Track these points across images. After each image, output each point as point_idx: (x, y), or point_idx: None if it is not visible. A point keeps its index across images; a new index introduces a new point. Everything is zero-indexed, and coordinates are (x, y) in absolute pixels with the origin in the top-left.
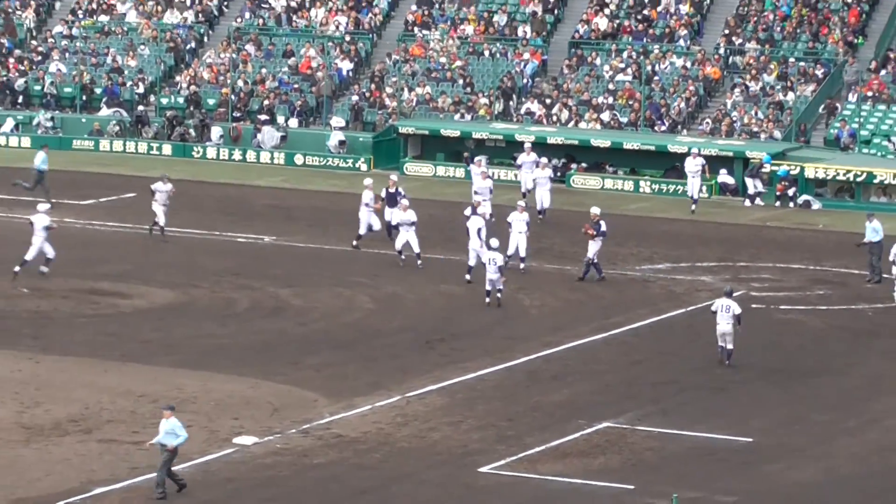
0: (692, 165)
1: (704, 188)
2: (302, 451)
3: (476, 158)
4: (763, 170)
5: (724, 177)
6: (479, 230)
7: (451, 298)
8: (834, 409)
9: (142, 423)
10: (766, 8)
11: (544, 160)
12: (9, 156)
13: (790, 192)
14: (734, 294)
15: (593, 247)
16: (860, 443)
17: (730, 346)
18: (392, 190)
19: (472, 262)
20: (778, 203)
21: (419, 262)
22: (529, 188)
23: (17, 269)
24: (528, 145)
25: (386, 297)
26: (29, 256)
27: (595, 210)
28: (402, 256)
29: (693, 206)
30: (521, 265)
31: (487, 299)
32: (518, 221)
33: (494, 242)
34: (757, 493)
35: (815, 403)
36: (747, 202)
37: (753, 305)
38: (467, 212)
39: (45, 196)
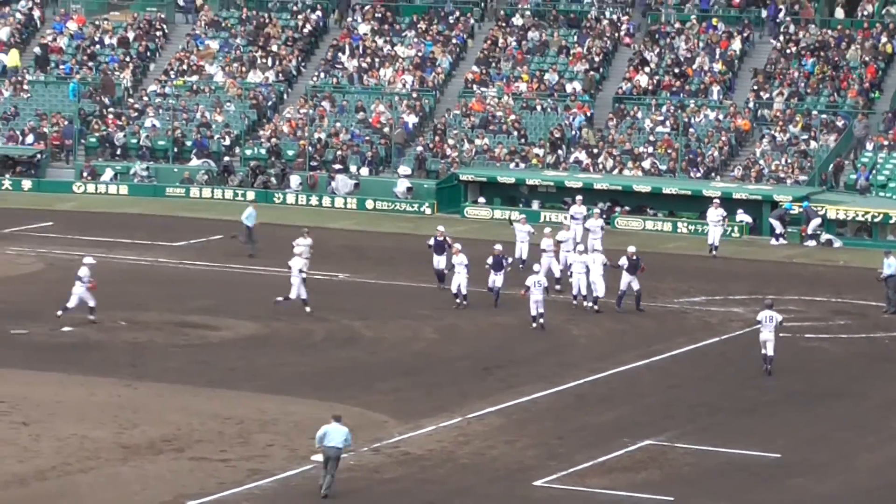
0: (714, 215)
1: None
2: (373, 467)
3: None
4: (790, 212)
5: (741, 215)
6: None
7: (506, 329)
8: (854, 427)
9: (228, 442)
10: (792, 66)
11: (597, 211)
12: (109, 202)
13: (818, 230)
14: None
15: (625, 279)
16: (879, 458)
17: (771, 353)
18: (440, 239)
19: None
20: (810, 243)
21: (465, 302)
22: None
23: (58, 313)
24: (578, 198)
25: (447, 329)
26: (70, 304)
27: (631, 248)
28: (457, 299)
29: (714, 252)
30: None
31: (534, 324)
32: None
33: (536, 267)
34: (785, 502)
35: (836, 422)
36: (773, 241)
37: (781, 334)
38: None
39: (252, 249)
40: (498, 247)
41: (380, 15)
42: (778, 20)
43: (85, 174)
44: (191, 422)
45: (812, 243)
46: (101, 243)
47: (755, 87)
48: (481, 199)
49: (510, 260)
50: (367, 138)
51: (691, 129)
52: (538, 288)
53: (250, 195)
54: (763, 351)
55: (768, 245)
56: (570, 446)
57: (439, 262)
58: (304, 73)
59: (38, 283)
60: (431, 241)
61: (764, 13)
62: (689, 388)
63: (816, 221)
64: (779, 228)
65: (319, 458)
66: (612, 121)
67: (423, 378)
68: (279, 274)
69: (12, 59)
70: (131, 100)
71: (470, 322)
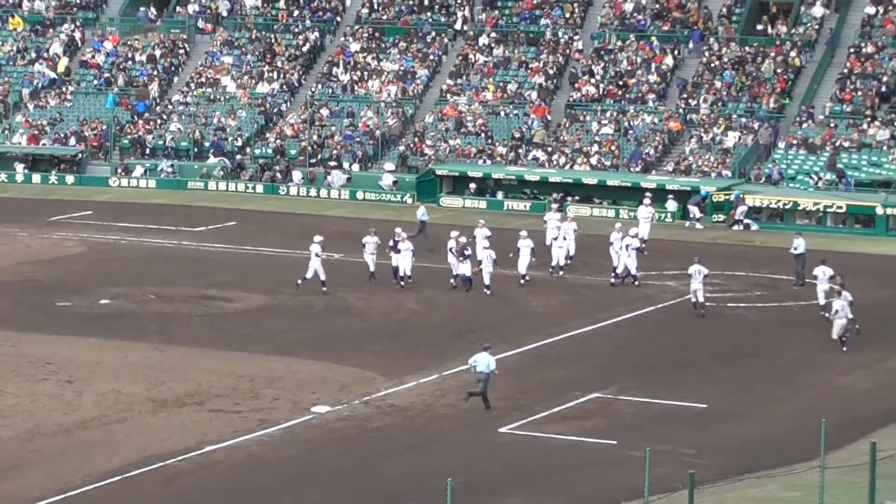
0: (644, 212)
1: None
2: (364, 417)
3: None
4: (706, 199)
5: (670, 203)
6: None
7: (476, 300)
8: (769, 382)
9: (241, 397)
10: (716, 77)
11: (570, 216)
12: (139, 194)
13: (741, 216)
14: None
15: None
16: (789, 407)
17: (701, 300)
18: (398, 240)
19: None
20: (737, 227)
21: (409, 281)
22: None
23: (298, 281)
24: (555, 205)
25: (426, 300)
26: (308, 275)
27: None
28: (401, 281)
29: (643, 245)
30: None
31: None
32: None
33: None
34: (710, 447)
35: (754, 378)
36: (687, 224)
37: (707, 304)
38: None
39: (426, 242)
40: (455, 233)
41: (368, 35)
42: (704, 39)
43: (119, 171)
44: (209, 379)
45: (739, 227)
46: (133, 229)
47: (685, 96)
48: (473, 186)
49: (468, 252)
50: (358, 139)
51: (631, 131)
52: (489, 261)
53: (259, 188)
54: (693, 299)
55: (695, 228)
56: (529, 398)
57: (460, 267)
58: (305, 85)
59: (80, 263)
60: (453, 244)
61: (691, 33)
62: (629, 350)
63: (744, 209)
64: (696, 213)
65: (320, 409)
66: (566, 124)
67: (405, 341)
68: (284, 254)
69: (62, 65)
70: (158, 107)
71: (445, 295)
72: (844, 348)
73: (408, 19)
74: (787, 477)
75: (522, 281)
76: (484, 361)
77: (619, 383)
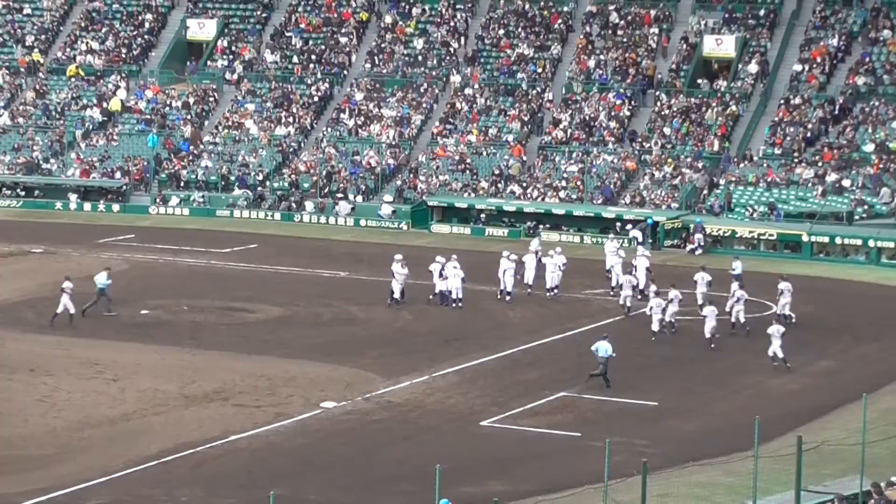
0: (611, 247)
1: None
2: (365, 411)
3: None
4: (646, 227)
5: (633, 231)
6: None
7: (461, 314)
8: (710, 384)
9: (261, 393)
10: (666, 124)
11: (559, 249)
12: (175, 221)
13: (699, 242)
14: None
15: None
16: (729, 405)
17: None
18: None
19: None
20: (698, 251)
21: (401, 301)
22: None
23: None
24: (535, 242)
25: (420, 312)
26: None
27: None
28: (394, 302)
29: (610, 275)
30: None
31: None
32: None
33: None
34: (661, 438)
35: (698, 380)
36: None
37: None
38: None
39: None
40: (440, 258)
41: (370, 86)
42: (655, 92)
43: (158, 200)
44: (234, 378)
45: (699, 252)
46: (169, 250)
47: (640, 139)
48: (483, 216)
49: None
50: (361, 175)
51: (593, 170)
52: (456, 278)
53: (276, 216)
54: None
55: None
56: (506, 396)
57: (442, 284)
58: (316, 128)
59: (123, 280)
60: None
61: (645, 87)
62: (592, 356)
63: (700, 236)
64: (640, 237)
65: (328, 404)
66: (538, 162)
67: (401, 347)
68: (298, 273)
69: (114, 104)
70: (191, 147)
71: (435, 309)
72: (712, 346)
73: (405, 72)
74: (725, 465)
75: (508, 298)
76: (604, 347)
77: (583, 384)
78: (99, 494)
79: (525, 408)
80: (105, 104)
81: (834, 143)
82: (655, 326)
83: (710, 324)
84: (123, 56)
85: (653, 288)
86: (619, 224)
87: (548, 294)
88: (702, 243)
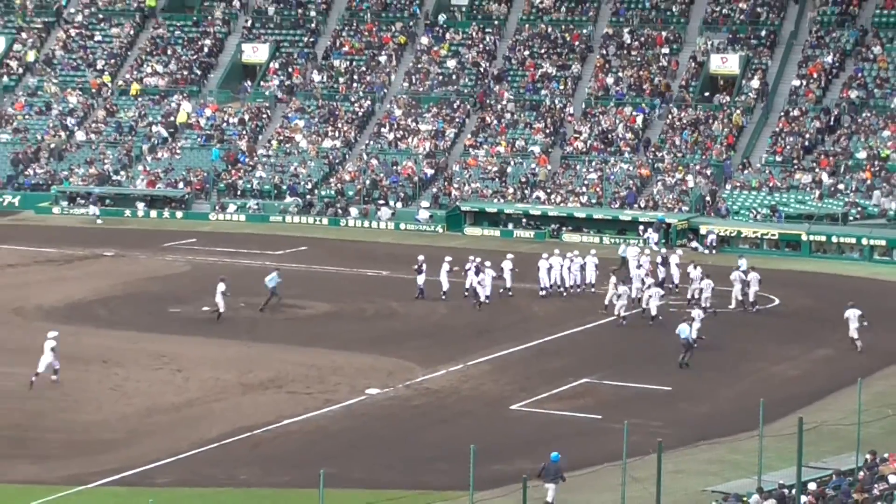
0: (631, 252)
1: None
2: (405, 397)
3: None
4: (661, 227)
5: (650, 234)
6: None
7: (491, 308)
8: (718, 370)
9: (311, 381)
10: (676, 134)
11: (594, 251)
12: (232, 226)
13: (711, 241)
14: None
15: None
16: (734, 391)
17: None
18: (420, 264)
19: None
20: (710, 251)
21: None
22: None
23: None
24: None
25: (454, 308)
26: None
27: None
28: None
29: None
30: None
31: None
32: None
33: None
34: (674, 420)
35: (706, 367)
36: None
37: (671, 310)
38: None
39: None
40: (474, 257)
41: (408, 103)
42: (669, 105)
43: (217, 208)
44: (287, 368)
45: (713, 251)
46: (227, 252)
47: (653, 149)
48: (524, 221)
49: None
50: (401, 183)
51: (611, 177)
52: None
53: (324, 221)
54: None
55: (653, 249)
56: (533, 383)
57: (420, 279)
58: (359, 141)
59: (186, 279)
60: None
61: (657, 101)
62: (611, 345)
63: (713, 236)
64: (654, 237)
65: (372, 391)
66: (561, 170)
67: (438, 339)
68: (344, 272)
69: (181, 116)
70: (247, 159)
71: (468, 305)
72: (660, 317)
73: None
74: (732, 444)
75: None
76: (685, 329)
77: (603, 371)
78: (166, 474)
79: (550, 393)
80: (172, 118)
81: (829, 150)
82: (654, 311)
83: (654, 303)
84: (185, 77)
85: (650, 280)
86: (640, 227)
87: (585, 290)
88: (655, 238)
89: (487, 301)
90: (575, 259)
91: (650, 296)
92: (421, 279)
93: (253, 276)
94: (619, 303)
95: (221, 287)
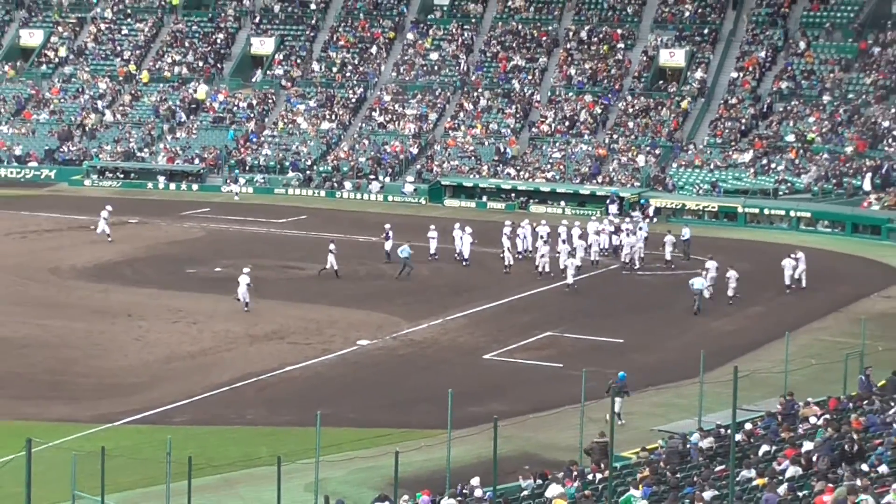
0: (592, 228)
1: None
2: (392, 347)
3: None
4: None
5: (611, 206)
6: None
7: (469, 270)
8: (665, 325)
9: (310, 333)
10: (629, 119)
11: (544, 221)
12: (241, 197)
13: (651, 213)
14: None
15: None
16: (680, 342)
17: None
18: (388, 232)
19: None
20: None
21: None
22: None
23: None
24: (636, 214)
25: (436, 269)
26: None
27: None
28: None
29: (597, 260)
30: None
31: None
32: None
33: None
34: (626, 368)
35: (655, 322)
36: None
37: (623, 272)
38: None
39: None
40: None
41: (396, 90)
42: (623, 93)
43: (228, 181)
44: (288, 322)
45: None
46: (237, 220)
47: (609, 131)
48: (513, 195)
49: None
50: (389, 161)
51: (573, 156)
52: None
53: (321, 193)
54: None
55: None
56: (504, 335)
57: (387, 245)
58: (353, 124)
59: (201, 244)
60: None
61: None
62: (571, 303)
63: (651, 208)
64: (615, 210)
65: (363, 342)
66: (529, 150)
67: (421, 297)
68: (339, 238)
69: (201, 93)
70: (254, 138)
71: (448, 266)
72: (575, 286)
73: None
74: (677, 389)
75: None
76: (699, 281)
77: (564, 325)
78: (182, 413)
79: (519, 344)
80: (190, 100)
81: (763, 134)
82: (570, 280)
83: (570, 272)
84: (201, 66)
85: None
86: (606, 200)
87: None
88: (650, 214)
89: (467, 263)
90: (526, 227)
91: (567, 265)
92: (388, 245)
93: (260, 241)
94: (570, 271)
95: (332, 247)
